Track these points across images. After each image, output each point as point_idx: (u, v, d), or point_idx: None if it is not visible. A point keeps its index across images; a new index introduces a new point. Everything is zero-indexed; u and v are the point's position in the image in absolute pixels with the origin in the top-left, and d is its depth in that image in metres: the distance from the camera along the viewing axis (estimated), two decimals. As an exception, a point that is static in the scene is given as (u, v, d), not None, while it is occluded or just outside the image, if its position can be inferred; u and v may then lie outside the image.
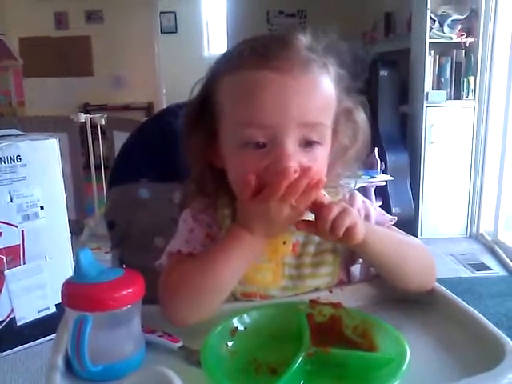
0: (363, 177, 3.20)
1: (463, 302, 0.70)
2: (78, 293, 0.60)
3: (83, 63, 6.31)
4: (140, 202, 1.03)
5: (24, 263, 2.06)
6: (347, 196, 0.79)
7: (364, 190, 3.23)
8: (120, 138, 2.97)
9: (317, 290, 0.75)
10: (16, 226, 2.02)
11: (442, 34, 3.29)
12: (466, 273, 2.90)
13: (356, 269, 0.86)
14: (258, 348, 0.62)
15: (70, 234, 2.23)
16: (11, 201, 1.99)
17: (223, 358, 0.59)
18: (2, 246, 1.99)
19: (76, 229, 3.20)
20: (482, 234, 3.44)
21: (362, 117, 0.75)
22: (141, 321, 0.64)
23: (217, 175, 0.74)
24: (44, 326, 2.07)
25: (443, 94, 3.35)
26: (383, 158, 3.40)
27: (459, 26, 3.29)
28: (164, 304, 0.68)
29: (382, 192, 3.44)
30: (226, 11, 5.32)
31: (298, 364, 0.56)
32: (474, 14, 3.28)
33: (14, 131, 2.27)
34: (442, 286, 0.74)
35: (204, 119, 0.72)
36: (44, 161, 2.09)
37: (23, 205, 2.03)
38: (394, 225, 0.81)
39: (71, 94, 6.12)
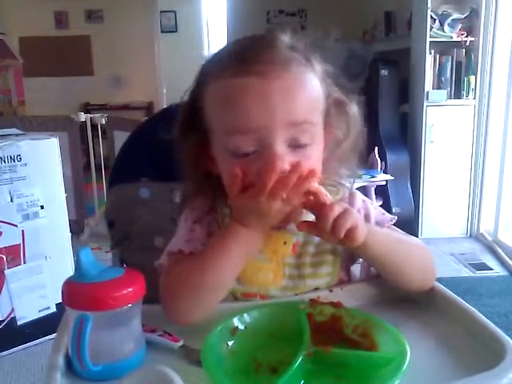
0: (363, 176, 3.21)
1: (463, 302, 0.70)
2: (79, 292, 0.60)
3: (83, 63, 6.31)
4: (140, 201, 1.03)
5: (24, 263, 2.06)
6: (347, 195, 0.79)
7: (364, 190, 3.23)
8: (120, 138, 2.96)
9: (317, 289, 0.75)
10: (16, 226, 2.02)
11: (443, 34, 3.29)
12: (467, 272, 2.90)
13: (356, 268, 0.86)
14: (259, 347, 0.62)
15: (70, 234, 2.23)
16: (11, 200, 2.00)
17: (224, 358, 0.59)
18: (2, 246, 1.99)
19: (76, 228, 3.20)
20: (482, 234, 3.44)
21: (354, 109, 0.74)
22: (141, 320, 0.64)
23: (214, 180, 0.74)
24: (44, 326, 2.07)
25: (443, 93, 3.35)
26: (383, 158, 3.40)
27: (459, 26, 3.29)
28: (165, 303, 0.68)
29: (382, 191, 3.44)
30: (226, 10, 5.31)
31: (299, 363, 0.56)
32: (475, 13, 3.28)
33: (14, 131, 2.27)
34: (442, 286, 0.74)
35: (195, 127, 0.72)
36: (44, 160, 2.09)
37: (23, 204, 2.03)
38: (394, 224, 0.81)
39: (71, 94, 6.12)
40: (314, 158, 0.68)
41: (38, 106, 5.41)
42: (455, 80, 3.35)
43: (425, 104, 3.35)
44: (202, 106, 0.71)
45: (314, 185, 0.66)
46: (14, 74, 5.13)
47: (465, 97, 3.34)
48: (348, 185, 0.80)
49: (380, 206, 0.84)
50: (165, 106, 1.19)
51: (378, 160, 3.33)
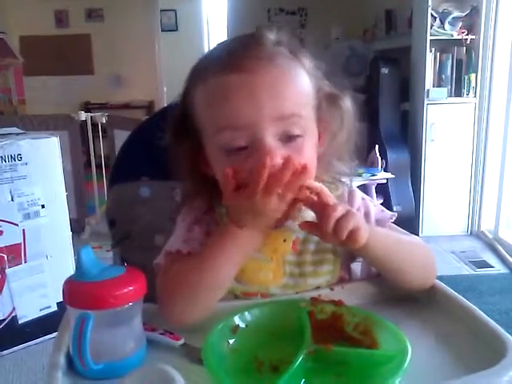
0: (364, 175, 3.21)
1: (464, 300, 0.70)
2: (80, 291, 0.60)
3: (84, 61, 6.31)
4: (141, 200, 1.03)
5: (25, 262, 2.06)
6: (346, 193, 0.79)
7: (365, 188, 3.23)
8: (121, 137, 2.97)
9: (318, 288, 0.75)
10: (17, 225, 2.02)
11: (443, 32, 3.29)
12: (467, 270, 2.90)
13: (357, 266, 0.86)
14: (259, 346, 0.62)
15: (71, 233, 2.24)
16: (12, 199, 2.00)
17: (224, 356, 0.59)
18: (3, 245, 2.00)
19: (77, 227, 3.20)
20: (482, 232, 3.44)
21: (346, 102, 0.74)
22: (142, 319, 0.64)
23: (210, 182, 0.74)
24: (45, 325, 2.07)
25: (444, 91, 3.35)
26: (384, 156, 3.40)
27: (460, 24, 3.28)
28: (162, 303, 0.68)
29: (382, 190, 3.44)
30: (226, 9, 5.30)
31: (300, 362, 0.56)
32: (475, 11, 3.28)
33: (14, 130, 2.27)
34: (443, 284, 0.74)
35: (187, 131, 0.72)
36: (45, 159, 2.09)
37: (24, 203, 2.03)
38: (394, 222, 0.81)
39: (72, 93, 6.12)
40: (306, 150, 0.68)
41: (39, 105, 5.41)
42: (456, 78, 3.35)
43: (425, 102, 3.34)
44: (191, 108, 0.71)
45: (317, 184, 0.66)
46: (14, 72, 5.13)
47: (465, 95, 3.34)
48: (347, 182, 0.79)
49: (381, 204, 0.84)
50: (165, 105, 1.19)
51: (379, 158, 3.33)
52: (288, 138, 0.66)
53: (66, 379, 0.58)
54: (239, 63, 0.65)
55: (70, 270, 2.06)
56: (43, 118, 3.34)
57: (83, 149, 3.66)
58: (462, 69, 3.34)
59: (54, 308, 2.13)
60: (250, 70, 0.65)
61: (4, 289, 2.03)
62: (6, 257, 2.01)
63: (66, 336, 0.62)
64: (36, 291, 2.10)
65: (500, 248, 3.15)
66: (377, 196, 3.37)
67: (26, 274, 2.07)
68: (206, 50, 0.75)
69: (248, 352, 0.61)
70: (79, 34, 6.24)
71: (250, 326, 0.64)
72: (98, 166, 3.66)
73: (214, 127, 0.67)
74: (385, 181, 3.37)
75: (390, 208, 3.37)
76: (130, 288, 0.60)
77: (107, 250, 1.17)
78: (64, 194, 2.19)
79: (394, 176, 3.37)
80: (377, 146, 3.38)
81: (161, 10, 6.09)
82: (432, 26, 3.27)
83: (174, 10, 6.10)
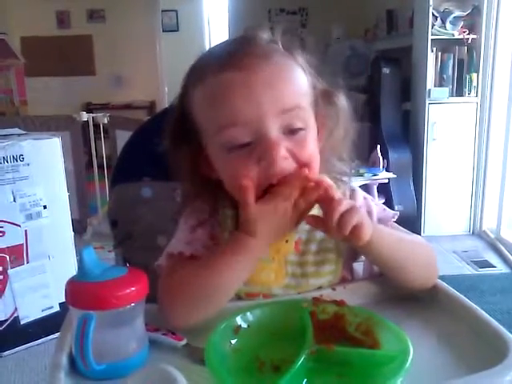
0: (366, 174, 3.20)
1: (466, 299, 0.69)
2: (82, 291, 0.60)
3: (85, 62, 6.32)
4: (143, 200, 1.03)
5: (27, 262, 2.07)
6: (348, 192, 0.79)
7: (366, 188, 3.23)
8: (122, 137, 2.97)
9: (320, 288, 0.75)
10: (19, 226, 2.02)
11: (444, 31, 3.29)
12: (469, 270, 2.90)
13: (359, 266, 0.86)
14: (261, 346, 0.62)
15: (73, 233, 2.24)
16: (14, 200, 2.00)
17: (227, 356, 0.59)
18: (5, 246, 2.00)
19: (79, 228, 3.21)
20: (484, 232, 3.44)
21: (341, 99, 0.75)
22: (144, 319, 0.64)
23: (213, 184, 0.75)
24: (48, 325, 2.08)
25: (445, 90, 3.34)
26: (385, 156, 3.39)
27: (461, 23, 3.28)
28: (163, 306, 0.68)
29: (384, 190, 3.44)
30: (227, 9, 5.31)
31: (301, 362, 0.56)
32: (477, 11, 3.28)
33: (16, 130, 2.27)
34: (444, 284, 0.74)
35: (186, 136, 0.73)
36: (47, 160, 2.10)
37: (26, 204, 2.03)
38: (396, 222, 0.81)
39: (73, 93, 6.13)
40: (309, 143, 0.69)
41: (40, 106, 5.41)
42: (457, 78, 3.35)
43: (427, 102, 3.34)
44: (190, 109, 0.71)
45: (325, 178, 0.67)
46: (15, 73, 5.13)
47: (467, 94, 3.34)
48: (348, 182, 0.80)
49: (382, 204, 0.84)
50: (167, 106, 1.19)
51: (380, 158, 3.33)
52: (291, 132, 0.67)
53: (68, 379, 0.58)
54: (237, 62, 0.66)
55: (72, 270, 2.07)
56: (45, 119, 3.34)
57: (85, 149, 3.66)
58: (463, 68, 3.34)
59: (57, 308, 2.13)
60: (248, 67, 0.65)
61: (6, 289, 2.03)
62: (8, 257, 2.01)
63: (68, 336, 0.62)
64: (38, 292, 2.11)
65: (502, 248, 3.15)
66: (378, 196, 3.36)
67: (28, 274, 2.07)
68: (203, 51, 0.76)
69: (250, 352, 0.61)
70: (81, 34, 6.25)
71: (252, 327, 0.64)
72: (100, 167, 3.66)
73: (216, 126, 0.67)
74: (386, 180, 3.36)
75: (391, 208, 3.35)
76: (133, 288, 0.60)
77: (109, 251, 1.17)
78: (66, 194, 2.20)
79: (395, 176, 3.36)
80: (378, 146, 3.38)
81: (162, 11, 6.09)
82: (433, 25, 3.27)
83: (175, 11, 6.10)
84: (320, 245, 0.76)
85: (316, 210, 0.68)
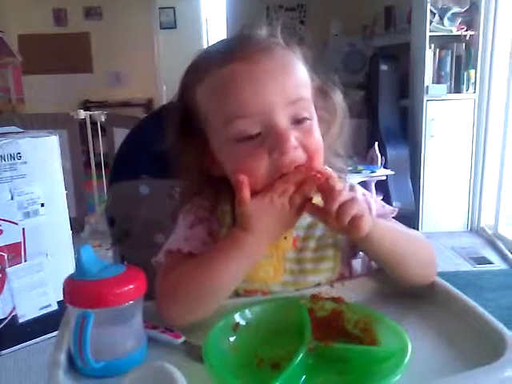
0: (363, 171, 3.21)
1: (464, 296, 0.70)
2: (80, 289, 0.60)
3: (82, 60, 6.30)
4: (140, 198, 1.03)
5: (25, 260, 2.06)
6: (347, 189, 0.79)
7: (364, 185, 3.23)
8: (120, 135, 2.97)
9: (318, 285, 0.75)
10: (17, 224, 2.02)
11: (442, 28, 3.28)
12: (467, 266, 2.90)
13: (357, 263, 0.86)
14: (260, 343, 0.62)
15: (70, 231, 2.24)
16: (12, 198, 2.00)
17: (225, 353, 0.59)
18: (3, 244, 2.00)
19: (77, 226, 3.20)
20: (482, 228, 3.44)
21: (337, 94, 0.76)
22: (142, 317, 0.64)
23: (215, 180, 0.75)
24: (46, 324, 2.08)
25: (443, 87, 3.34)
26: (383, 153, 3.40)
27: (459, 19, 3.28)
28: (160, 305, 0.67)
29: (382, 186, 3.44)
30: (225, 6, 5.29)
31: (300, 358, 0.56)
32: (475, 7, 3.27)
33: (14, 129, 2.27)
34: (442, 280, 0.74)
35: (190, 133, 0.72)
36: (44, 158, 2.09)
37: (24, 202, 2.03)
38: (394, 218, 0.81)
39: (71, 91, 6.11)
40: (315, 132, 0.69)
41: (38, 104, 5.40)
42: (455, 74, 3.35)
43: (425, 98, 3.34)
44: (194, 104, 0.71)
45: (327, 169, 0.68)
46: (12, 71, 5.12)
47: (465, 91, 3.34)
48: (344, 177, 0.80)
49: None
50: (164, 103, 1.19)
51: (378, 155, 3.33)
52: (297, 122, 0.68)
53: (66, 377, 0.58)
54: (242, 54, 0.66)
55: (70, 268, 2.06)
56: (42, 117, 3.34)
57: (82, 147, 3.66)
58: (461, 65, 3.34)
59: (55, 307, 2.13)
60: (253, 60, 0.66)
61: (4, 288, 2.03)
62: (5, 256, 2.01)
63: (66, 334, 0.62)
64: (36, 290, 2.11)
65: (500, 244, 3.16)
66: (376, 193, 3.37)
67: (26, 272, 2.07)
68: (205, 46, 0.76)
69: (248, 349, 0.61)
70: (78, 32, 6.23)
71: (251, 324, 0.64)
72: (98, 165, 3.65)
73: (224, 118, 0.67)
74: (384, 177, 3.37)
75: (389, 205, 3.35)
76: (131, 286, 0.60)
77: (107, 249, 1.17)
78: (63, 192, 2.19)
79: (393, 172, 3.37)
80: (376, 143, 3.38)
81: (159, 8, 6.08)
82: (431, 22, 3.27)
83: (173, 8, 6.10)
84: (318, 242, 0.76)
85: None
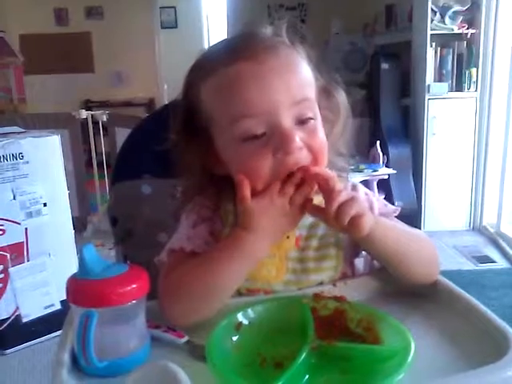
0: (365, 170, 3.21)
1: (467, 295, 0.69)
2: (83, 289, 0.60)
3: (84, 59, 6.31)
4: (143, 197, 1.03)
5: (28, 260, 2.07)
6: (349, 188, 0.79)
7: (366, 184, 3.23)
8: (122, 134, 2.97)
9: (320, 284, 0.75)
10: (19, 224, 2.02)
11: (444, 26, 3.28)
12: (470, 265, 2.90)
13: (359, 262, 0.86)
14: (263, 342, 0.62)
15: (73, 231, 2.24)
16: (14, 198, 2.00)
17: (228, 353, 0.59)
18: (5, 244, 2.00)
19: (79, 225, 3.21)
20: (485, 227, 3.44)
21: (340, 93, 0.76)
22: (145, 316, 0.64)
23: (218, 180, 0.75)
24: (49, 323, 2.08)
25: (445, 85, 3.34)
26: (385, 151, 3.40)
27: (461, 18, 3.27)
28: (163, 303, 0.68)
29: (384, 185, 3.44)
30: (226, 5, 5.29)
31: (303, 358, 0.56)
32: (476, 5, 3.27)
33: (15, 129, 2.27)
34: (445, 279, 0.74)
35: (195, 132, 0.72)
36: (46, 158, 2.10)
37: (26, 202, 2.03)
38: (396, 217, 0.81)
39: (72, 91, 6.12)
40: (319, 132, 0.70)
41: (39, 104, 5.41)
42: (457, 72, 3.34)
43: (426, 97, 3.34)
44: (198, 103, 0.71)
45: (328, 171, 0.68)
46: (14, 71, 5.13)
47: (466, 89, 3.33)
48: (346, 177, 0.80)
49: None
50: (166, 103, 1.19)
51: (380, 154, 3.33)
52: (302, 122, 0.68)
53: (70, 376, 0.58)
54: (247, 53, 0.66)
55: (73, 268, 2.06)
56: (44, 117, 3.34)
57: (84, 147, 3.66)
58: (462, 63, 3.33)
59: (58, 306, 2.13)
60: (259, 59, 0.66)
61: (7, 288, 2.03)
62: (8, 256, 2.01)
63: (70, 334, 0.62)
64: (39, 290, 2.11)
65: (502, 243, 3.15)
66: (378, 191, 3.36)
67: (28, 272, 2.07)
68: (206, 47, 0.76)
69: (251, 349, 0.61)
70: (79, 31, 6.24)
71: (254, 323, 0.64)
72: (100, 164, 3.66)
73: (229, 117, 0.67)
74: (386, 176, 3.36)
75: (391, 203, 3.35)
76: (134, 286, 0.60)
77: (110, 248, 1.17)
78: (66, 192, 2.20)
79: (395, 171, 3.37)
80: (378, 142, 3.38)
81: (160, 7, 6.08)
82: (432, 20, 3.26)
83: (174, 7, 6.10)
84: (321, 241, 0.76)
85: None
